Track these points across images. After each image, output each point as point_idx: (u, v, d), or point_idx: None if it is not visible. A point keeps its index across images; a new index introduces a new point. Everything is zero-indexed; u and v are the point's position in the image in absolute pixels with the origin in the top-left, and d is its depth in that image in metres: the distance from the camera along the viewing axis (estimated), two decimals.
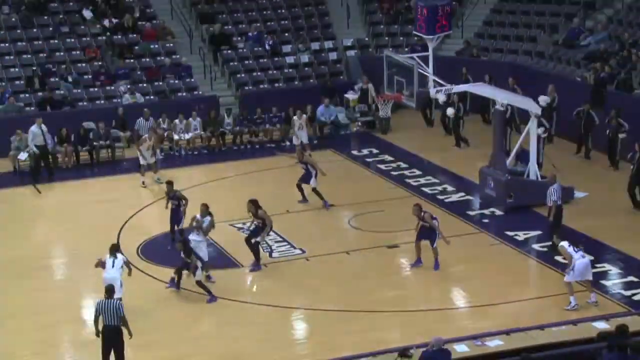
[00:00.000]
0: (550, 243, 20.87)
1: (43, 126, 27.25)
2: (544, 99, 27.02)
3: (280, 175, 26.47)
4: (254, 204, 20.57)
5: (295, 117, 28.40)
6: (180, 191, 22.45)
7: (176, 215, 22.03)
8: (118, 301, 15.88)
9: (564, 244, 18.21)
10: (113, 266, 17.90)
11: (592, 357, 14.87)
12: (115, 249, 18.33)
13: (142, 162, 26.33)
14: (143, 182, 26.23)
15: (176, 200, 22.07)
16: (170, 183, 22.53)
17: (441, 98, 27.84)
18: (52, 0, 33.97)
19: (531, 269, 20.77)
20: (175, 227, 22.01)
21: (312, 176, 23.81)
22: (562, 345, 15.90)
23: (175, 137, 29.53)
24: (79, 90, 31.11)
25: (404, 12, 35.69)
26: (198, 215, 20.14)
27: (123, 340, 15.91)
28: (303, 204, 24.08)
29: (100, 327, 15.99)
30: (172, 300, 19.18)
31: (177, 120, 29.64)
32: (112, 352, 15.93)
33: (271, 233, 21.69)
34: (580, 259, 17.97)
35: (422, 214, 20.18)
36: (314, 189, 23.91)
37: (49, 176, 27.05)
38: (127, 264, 18.32)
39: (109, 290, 15.99)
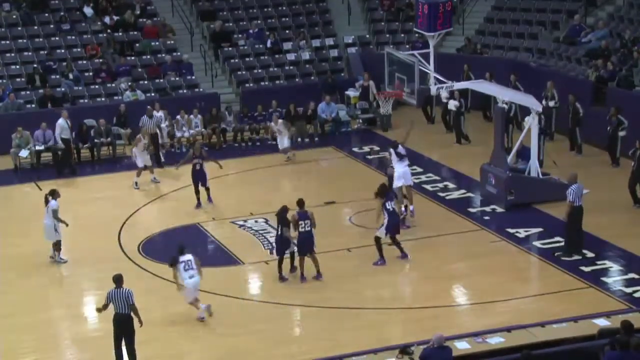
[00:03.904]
0: (559, 238, 20.89)
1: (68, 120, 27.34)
2: (554, 101, 27.21)
3: (281, 172, 26.48)
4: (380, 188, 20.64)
5: (272, 124, 28.48)
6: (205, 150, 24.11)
7: (201, 175, 23.68)
8: (128, 290, 15.98)
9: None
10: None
11: (594, 354, 14.86)
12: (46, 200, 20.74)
13: (139, 164, 25.84)
14: (136, 183, 25.73)
15: (201, 160, 23.57)
16: (196, 143, 24.41)
17: (444, 95, 27.90)
18: None
19: (532, 266, 20.74)
20: (200, 186, 23.66)
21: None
22: (563, 343, 15.88)
23: (177, 134, 29.52)
24: (80, 88, 31.10)
25: (405, 9, 35.71)
26: None
27: (134, 328, 16.07)
28: None
29: (106, 312, 16.28)
30: (172, 297, 19.16)
31: (178, 117, 29.63)
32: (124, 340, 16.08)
33: (272, 230, 21.65)
34: (188, 280, 17.67)
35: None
36: None
37: (60, 171, 27.22)
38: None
39: (117, 279, 16.10)
